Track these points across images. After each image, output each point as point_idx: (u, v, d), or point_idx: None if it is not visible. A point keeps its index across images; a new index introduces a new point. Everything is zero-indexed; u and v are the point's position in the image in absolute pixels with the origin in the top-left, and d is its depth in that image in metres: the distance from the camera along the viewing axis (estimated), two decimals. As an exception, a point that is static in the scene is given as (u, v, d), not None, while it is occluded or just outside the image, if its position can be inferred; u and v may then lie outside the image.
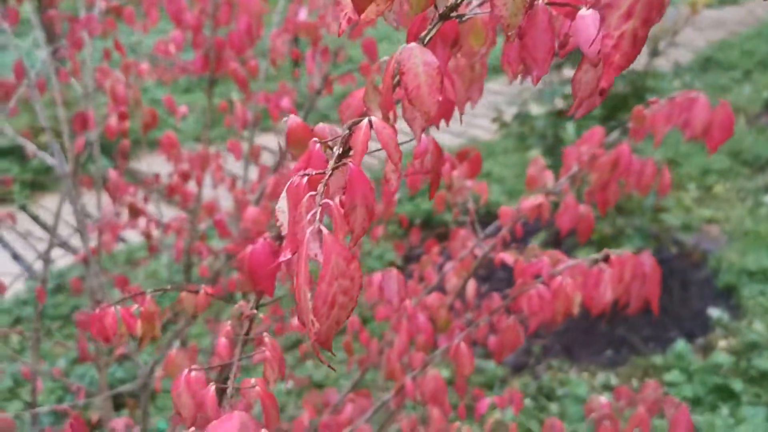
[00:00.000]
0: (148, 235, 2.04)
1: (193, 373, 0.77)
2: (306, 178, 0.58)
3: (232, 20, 2.12)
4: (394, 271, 1.28)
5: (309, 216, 0.52)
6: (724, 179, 5.32)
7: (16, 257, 4.81)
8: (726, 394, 3.26)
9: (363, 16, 0.59)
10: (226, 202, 2.45)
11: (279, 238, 0.95)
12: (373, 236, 2.28)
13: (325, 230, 0.51)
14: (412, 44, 0.64)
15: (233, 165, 3.36)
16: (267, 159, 2.55)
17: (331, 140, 0.69)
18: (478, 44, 0.74)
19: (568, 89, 3.90)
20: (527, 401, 3.36)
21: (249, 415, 0.66)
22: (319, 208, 0.52)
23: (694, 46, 8.54)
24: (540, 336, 3.89)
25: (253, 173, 2.37)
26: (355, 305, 0.53)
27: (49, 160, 2.18)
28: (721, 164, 5.50)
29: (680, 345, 3.49)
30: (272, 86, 2.40)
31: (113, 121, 2.11)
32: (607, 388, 3.44)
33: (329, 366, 0.57)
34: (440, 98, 0.63)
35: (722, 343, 3.58)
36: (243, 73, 2.12)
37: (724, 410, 3.17)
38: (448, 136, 6.69)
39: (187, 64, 2.24)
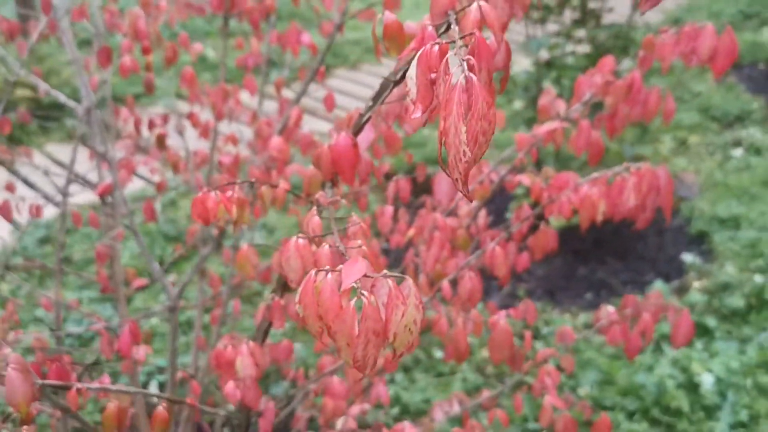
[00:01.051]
0: (175, 166, 2.11)
1: (300, 240, 0.87)
2: (437, 47, 0.68)
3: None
4: (476, 274, 1.38)
5: (455, 68, 0.63)
6: (694, 134, 5.52)
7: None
8: (701, 330, 3.47)
9: None
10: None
11: (357, 132, 1.05)
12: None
13: (473, 76, 0.61)
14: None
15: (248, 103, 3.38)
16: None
17: (441, 22, 0.79)
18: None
19: (553, 41, 4.01)
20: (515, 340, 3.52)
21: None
22: (465, 63, 0.62)
23: (662, 7, 8.71)
24: (524, 280, 4.06)
25: (268, 108, 2.44)
26: (487, 148, 0.64)
27: (62, 98, 2.22)
28: (691, 120, 5.70)
29: (658, 285, 3.68)
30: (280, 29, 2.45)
31: (127, 59, 2.17)
32: (588, 327, 3.62)
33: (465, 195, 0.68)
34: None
35: (696, 285, 3.78)
36: (257, 13, 2.18)
37: (699, 345, 3.37)
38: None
39: (203, 4, 2.30)
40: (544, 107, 1.78)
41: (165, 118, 2.45)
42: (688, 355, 3.26)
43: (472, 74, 0.61)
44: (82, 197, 4.28)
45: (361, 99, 6.69)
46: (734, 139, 5.47)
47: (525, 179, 1.67)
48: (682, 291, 3.77)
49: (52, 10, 1.96)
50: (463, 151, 0.60)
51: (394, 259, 3.25)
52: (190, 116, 2.38)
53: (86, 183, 2.22)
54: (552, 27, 4.45)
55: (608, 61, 1.68)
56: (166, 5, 2.15)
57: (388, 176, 2.29)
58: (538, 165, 3.76)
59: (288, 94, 2.66)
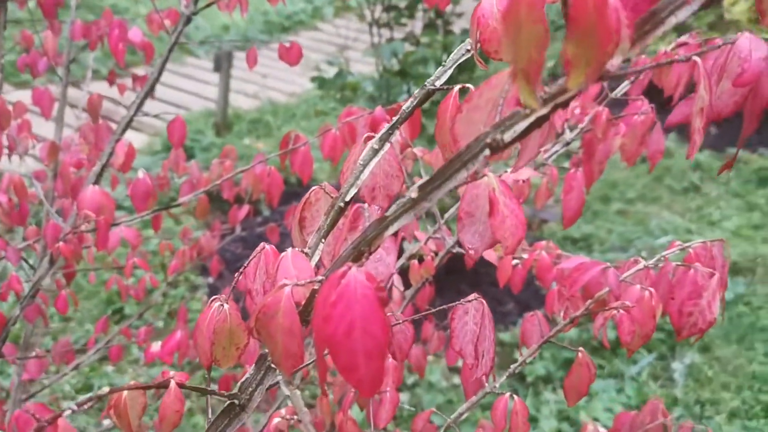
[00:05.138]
0: None
1: None
2: None
3: None
4: (481, 304, 0.82)
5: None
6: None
7: None
8: (573, 368, 3.19)
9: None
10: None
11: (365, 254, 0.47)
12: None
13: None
14: None
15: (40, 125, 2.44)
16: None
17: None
18: None
19: (408, 48, 3.56)
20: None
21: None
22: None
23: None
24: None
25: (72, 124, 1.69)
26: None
27: None
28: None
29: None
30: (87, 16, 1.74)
31: None
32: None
33: None
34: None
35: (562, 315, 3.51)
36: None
37: (574, 385, 3.09)
38: (242, 97, 6.11)
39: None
40: (497, 145, 1.27)
41: None
42: (561, 399, 2.96)
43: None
44: None
45: (168, 102, 5.86)
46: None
47: (489, 254, 1.15)
48: (549, 322, 3.49)
49: None
50: None
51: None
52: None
53: None
54: (398, 33, 4.01)
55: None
56: None
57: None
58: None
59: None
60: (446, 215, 1.23)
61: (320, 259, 0.77)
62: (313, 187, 0.63)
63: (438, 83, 0.89)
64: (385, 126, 0.60)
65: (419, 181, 0.49)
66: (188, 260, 1.86)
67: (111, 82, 2.01)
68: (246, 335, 0.79)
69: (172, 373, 0.94)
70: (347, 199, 0.58)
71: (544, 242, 1.23)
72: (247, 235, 2.98)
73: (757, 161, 5.13)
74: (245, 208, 1.83)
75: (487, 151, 0.46)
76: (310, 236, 0.74)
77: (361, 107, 1.45)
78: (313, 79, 4.08)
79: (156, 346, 1.34)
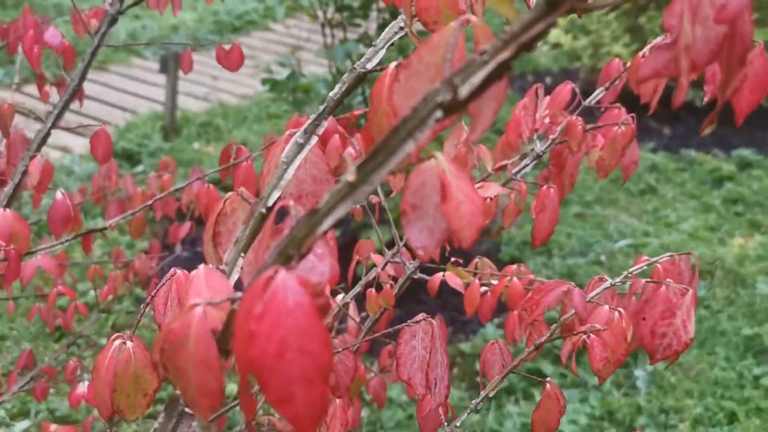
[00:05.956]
0: None
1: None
2: None
3: None
4: (430, 326, 0.72)
5: None
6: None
7: None
8: (537, 375, 3.11)
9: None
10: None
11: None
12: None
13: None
14: None
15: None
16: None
17: None
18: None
19: (363, 49, 3.44)
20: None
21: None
22: None
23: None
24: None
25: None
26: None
27: None
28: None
29: (489, 330, 3.27)
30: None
31: None
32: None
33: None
34: None
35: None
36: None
37: (538, 395, 3.01)
38: (192, 100, 5.91)
39: None
40: (459, 158, 1.16)
41: None
42: (527, 412, 2.88)
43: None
44: None
45: (113, 105, 5.62)
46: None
47: (454, 281, 1.04)
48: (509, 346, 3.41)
49: None
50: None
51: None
52: None
53: None
54: (351, 33, 3.89)
55: (563, 91, 1.11)
56: None
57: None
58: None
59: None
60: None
61: (240, 278, 0.64)
62: (228, 194, 0.51)
63: (369, 66, 0.78)
64: (311, 118, 0.49)
65: (356, 161, 0.38)
66: (123, 282, 1.71)
67: (40, 88, 1.85)
68: (156, 378, 0.66)
69: (53, 427, 0.82)
70: (269, 204, 0.46)
71: (514, 266, 1.12)
72: (189, 254, 2.81)
73: (711, 162, 5.14)
74: (187, 225, 1.69)
75: (438, 113, 0.36)
76: (226, 253, 0.62)
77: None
78: (265, 81, 3.94)
79: (82, 387, 1.19)
